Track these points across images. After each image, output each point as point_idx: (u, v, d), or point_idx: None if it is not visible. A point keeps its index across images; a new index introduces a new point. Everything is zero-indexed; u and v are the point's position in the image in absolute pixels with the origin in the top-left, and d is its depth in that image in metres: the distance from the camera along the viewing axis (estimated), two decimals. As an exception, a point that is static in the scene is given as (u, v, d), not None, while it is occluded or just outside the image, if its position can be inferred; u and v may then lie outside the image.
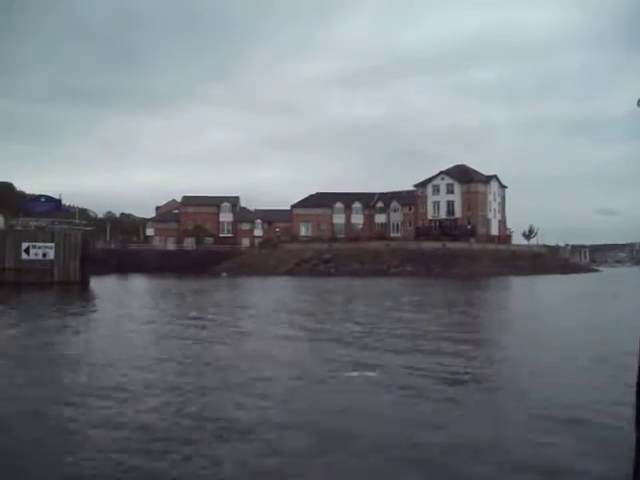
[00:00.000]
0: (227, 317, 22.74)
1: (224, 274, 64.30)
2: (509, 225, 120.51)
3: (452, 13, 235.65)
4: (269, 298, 34.25)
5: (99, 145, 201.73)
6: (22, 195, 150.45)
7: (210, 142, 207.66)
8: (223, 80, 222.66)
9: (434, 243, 78.33)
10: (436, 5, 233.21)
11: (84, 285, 42.46)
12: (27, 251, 42.15)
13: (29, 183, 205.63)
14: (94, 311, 26.03)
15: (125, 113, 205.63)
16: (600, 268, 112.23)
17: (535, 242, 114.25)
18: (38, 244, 42.25)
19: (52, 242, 42.62)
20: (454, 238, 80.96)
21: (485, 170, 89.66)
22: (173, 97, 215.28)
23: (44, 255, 42.29)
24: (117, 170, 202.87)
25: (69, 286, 41.42)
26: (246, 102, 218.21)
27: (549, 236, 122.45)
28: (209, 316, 22.76)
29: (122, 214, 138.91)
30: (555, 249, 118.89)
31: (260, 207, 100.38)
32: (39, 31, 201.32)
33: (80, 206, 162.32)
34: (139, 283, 53.72)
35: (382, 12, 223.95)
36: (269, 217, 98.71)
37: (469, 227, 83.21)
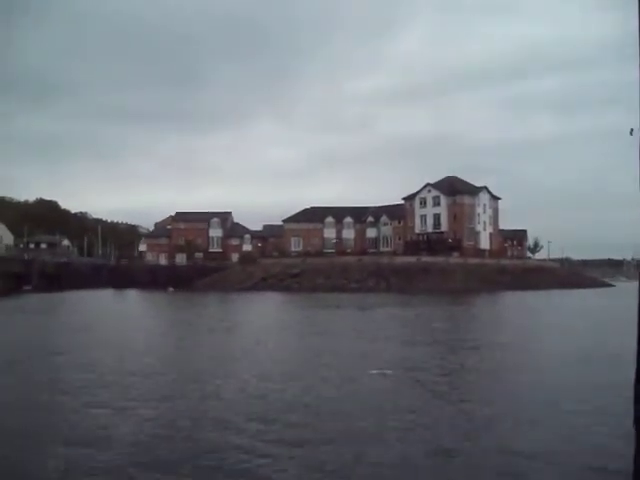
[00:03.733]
0: None
1: (171, 289, 65.71)
2: (542, 240, 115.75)
3: (499, 28, 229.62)
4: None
5: (160, 163, 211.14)
6: (66, 213, 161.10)
7: (266, 160, 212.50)
8: (277, 99, 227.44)
9: (409, 258, 76.32)
10: (484, 20, 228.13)
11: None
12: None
13: (92, 201, 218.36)
14: None
15: (183, 132, 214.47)
16: (614, 282, 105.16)
17: (544, 256, 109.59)
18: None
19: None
20: (434, 252, 78.41)
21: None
22: (233, 116, 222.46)
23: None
24: (176, 187, 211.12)
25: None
26: (299, 120, 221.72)
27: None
28: None
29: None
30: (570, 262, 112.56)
31: (268, 223, 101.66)
32: (104, 52, 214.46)
33: (133, 223, 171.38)
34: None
35: (432, 28, 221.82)
36: (268, 232, 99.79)
37: (450, 240, 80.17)
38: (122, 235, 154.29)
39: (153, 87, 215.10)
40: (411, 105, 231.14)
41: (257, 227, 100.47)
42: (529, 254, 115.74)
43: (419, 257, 75.88)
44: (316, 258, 78.90)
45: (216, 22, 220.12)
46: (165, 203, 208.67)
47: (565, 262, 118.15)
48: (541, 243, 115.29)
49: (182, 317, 34.77)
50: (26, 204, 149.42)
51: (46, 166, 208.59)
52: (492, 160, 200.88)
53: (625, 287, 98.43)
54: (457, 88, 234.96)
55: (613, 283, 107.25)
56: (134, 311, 40.85)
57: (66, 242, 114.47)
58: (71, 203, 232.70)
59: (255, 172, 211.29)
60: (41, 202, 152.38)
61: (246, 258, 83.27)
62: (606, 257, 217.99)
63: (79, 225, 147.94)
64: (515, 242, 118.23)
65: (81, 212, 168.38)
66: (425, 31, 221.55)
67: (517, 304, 49.25)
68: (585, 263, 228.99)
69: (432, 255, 77.64)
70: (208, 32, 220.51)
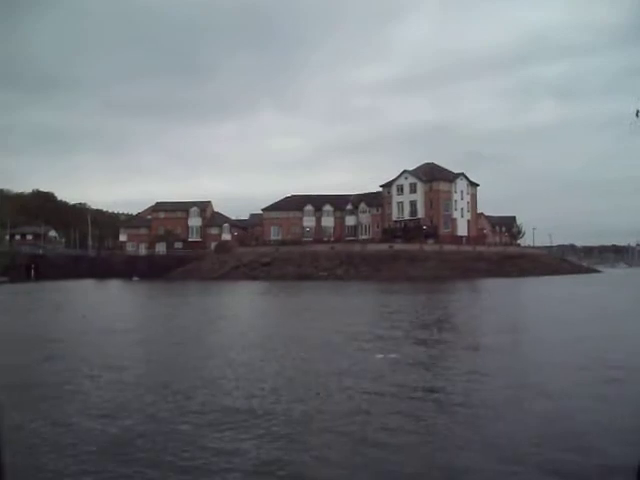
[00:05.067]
0: None
1: (135, 278, 65.89)
2: (528, 226, 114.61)
3: (503, 15, 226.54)
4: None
5: (165, 154, 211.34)
6: (64, 205, 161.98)
7: (270, 149, 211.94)
8: (284, 88, 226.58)
9: (381, 245, 75.82)
10: (487, 8, 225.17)
11: None
12: None
13: (96, 193, 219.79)
14: None
15: (188, 123, 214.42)
16: (606, 269, 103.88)
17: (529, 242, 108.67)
18: None
19: None
20: (409, 239, 77.75)
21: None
22: (237, 107, 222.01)
23: None
24: (181, 178, 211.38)
25: None
26: (306, 109, 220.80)
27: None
28: None
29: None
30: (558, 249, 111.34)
31: (256, 212, 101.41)
32: (107, 43, 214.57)
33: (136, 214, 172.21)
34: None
35: (436, 17, 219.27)
36: (254, 221, 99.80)
37: (425, 228, 79.37)
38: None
39: (157, 78, 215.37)
40: (415, 94, 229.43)
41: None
42: (519, 241, 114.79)
43: (391, 244, 75.31)
44: (291, 246, 78.58)
45: (221, 12, 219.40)
46: (169, 194, 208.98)
47: (554, 249, 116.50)
48: (523, 229, 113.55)
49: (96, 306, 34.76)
50: (22, 196, 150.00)
51: (47, 158, 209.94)
52: (495, 148, 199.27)
53: (610, 273, 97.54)
54: (461, 76, 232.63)
55: (601, 269, 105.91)
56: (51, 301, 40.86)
57: (53, 233, 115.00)
58: (73, 195, 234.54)
59: (260, 162, 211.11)
60: (37, 194, 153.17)
61: (221, 247, 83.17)
62: (611, 244, 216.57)
63: (76, 216, 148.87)
64: (504, 229, 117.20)
65: (80, 203, 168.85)
66: (429, 20, 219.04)
67: (470, 291, 48.63)
68: (590, 250, 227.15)
69: (407, 242, 77.05)
70: (213, 22, 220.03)
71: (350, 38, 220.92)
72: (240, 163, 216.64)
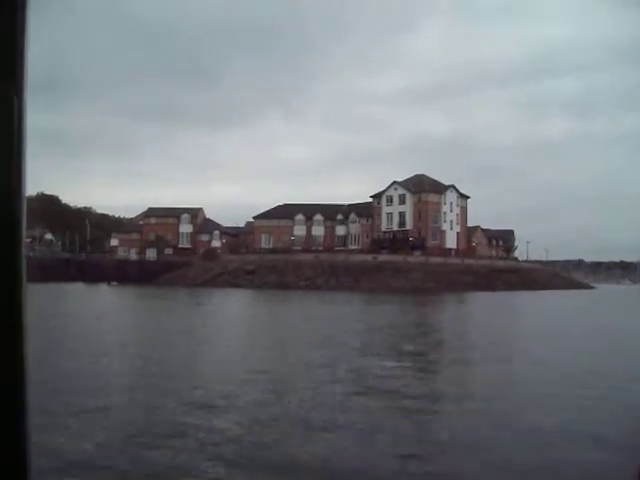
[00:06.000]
0: None
1: (114, 283, 66.25)
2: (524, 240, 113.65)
3: (516, 29, 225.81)
4: None
5: (171, 159, 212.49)
6: (67, 208, 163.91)
7: (278, 157, 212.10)
8: (293, 96, 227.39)
9: (366, 256, 75.58)
10: (500, 21, 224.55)
11: None
12: None
13: (103, 197, 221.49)
14: None
15: (195, 129, 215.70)
16: (596, 285, 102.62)
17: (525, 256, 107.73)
18: None
19: None
20: (396, 250, 77.41)
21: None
22: (245, 113, 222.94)
23: None
24: (187, 184, 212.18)
25: None
26: (315, 118, 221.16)
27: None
28: None
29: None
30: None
31: (252, 220, 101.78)
32: (113, 48, 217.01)
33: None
34: None
35: (447, 29, 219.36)
36: (245, 229, 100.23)
37: (411, 239, 78.98)
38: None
39: (163, 83, 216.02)
40: (426, 105, 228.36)
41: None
42: (516, 255, 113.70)
43: (375, 255, 75.03)
44: (276, 255, 78.61)
45: (230, 20, 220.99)
46: (176, 199, 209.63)
47: (560, 264, 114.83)
48: (516, 243, 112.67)
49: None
50: (27, 199, 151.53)
51: (53, 161, 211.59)
52: (505, 161, 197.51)
53: (603, 290, 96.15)
54: (472, 89, 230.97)
55: (595, 286, 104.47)
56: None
57: (49, 236, 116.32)
58: (79, 199, 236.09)
59: (267, 169, 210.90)
60: (41, 197, 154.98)
61: (208, 254, 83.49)
62: (619, 260, 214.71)
63: (80, 220, 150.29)
64: (501, 242, 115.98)
65: (85, 207, 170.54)
66: (441, 32, 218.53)
67: (440, 306, 48.27)
68: (598, 265, 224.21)
69: (393, 253, 76.72)
70: (221, 30, 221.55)
71: (360, 48, 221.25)
72: (246, 170, 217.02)
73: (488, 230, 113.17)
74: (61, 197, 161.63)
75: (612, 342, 20.99)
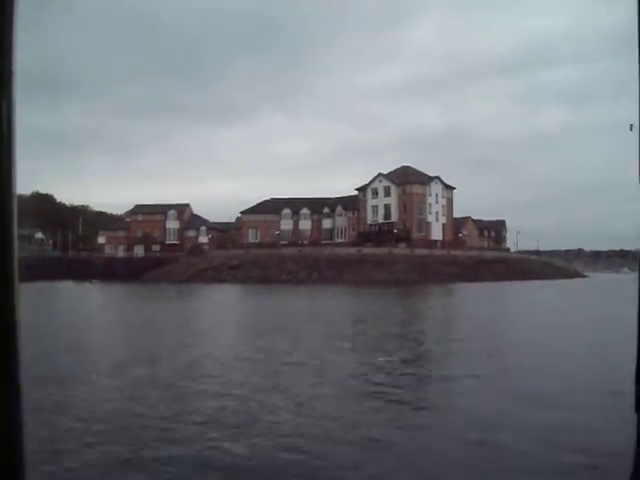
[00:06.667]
0: None
1: (95, 280, 66.27)
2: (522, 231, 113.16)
3: (514, 21, 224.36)
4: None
5: (169, 156, 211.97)
6: (62, 206, 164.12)
7: (276, 153, 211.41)
8: (291, 91, 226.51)
9: (350, 249, 75.41)
10: (496, 13, 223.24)
11: None
12: None
13: (100, 195, 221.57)
14: None
15: (193, 126, 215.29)
16: (591, 274, 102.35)
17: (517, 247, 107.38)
18: None
19: None
20: (381, 243, 77.20)
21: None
22: (242, 109, 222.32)
23: None
24: (186, 181, 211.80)
25: None
26: (313, 112, 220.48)
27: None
28: None
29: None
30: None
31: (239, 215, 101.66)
32: (110, 46, 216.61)
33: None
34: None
35: (444, 22, 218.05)
36: (236, 224, 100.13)
37: (396, 231, 78.69)
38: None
39: (160, 80, 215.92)
40: (423, 99, 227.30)
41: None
42: (508, 245, 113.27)
43: (360, 248, 74.83)
44: (261, 249, 78.52)
45: (228, 17, 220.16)
46: (174, 197, 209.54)
47: (548, 253, 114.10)
48: (505, 233, 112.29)
49: None
50: (21, 198, 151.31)
51: (49, 160, 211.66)
52: (503, 153, 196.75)
53: (599, 278, 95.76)
54: (468, 82, 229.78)
55: (588, 275, 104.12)
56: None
57: (39, 235, 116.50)
58: (76, 197, 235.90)
59: (265, 165, 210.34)
60: (36, 196, 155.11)
61: (194, 250, 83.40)
62: (620, 248, 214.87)
63: (76, 218, 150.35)
64: (493, 233, 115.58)
65: (83, 205, 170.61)
66: (437, 24, 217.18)
67: (412, 297, 48.10)
68: (598, 254, 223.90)
69: (378, 246, 76.49)
70: (219, 28, 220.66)
71: (357, 42, 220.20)
72: (245, 166, 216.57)
73: (479, 221, 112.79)
74: (60, 196, 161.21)
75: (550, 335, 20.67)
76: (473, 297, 47.49)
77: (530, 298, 44.87)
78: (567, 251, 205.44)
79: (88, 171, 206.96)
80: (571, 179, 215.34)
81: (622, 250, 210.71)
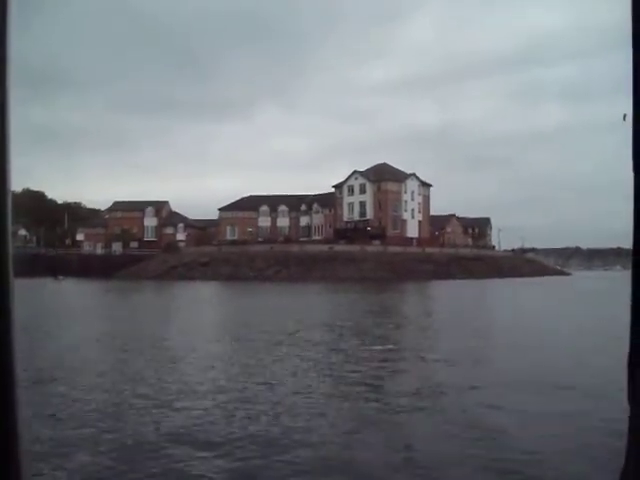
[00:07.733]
0: None
1: (61, 277, 66.15)
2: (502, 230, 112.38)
3: (509, 16, 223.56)
4: None
5: (166, 152, 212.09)
6: (53, 204, 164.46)
7: (273, 149, 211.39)
8: (287, 87, 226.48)
9: (321, 246, 75.10)
10: (492, 9, 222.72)
11: None
12: None
13: (94, 192, 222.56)
14: None
15: (190, 122, 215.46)
16: (572, 272, 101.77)
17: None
18: None
19: None
20: (354, 240, 76.78)
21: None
22: (239, 105, 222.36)
23: None
24: (183, 177, 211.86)
25: None
26: (310, 108, 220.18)
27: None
28: None
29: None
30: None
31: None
32: (108, 42, 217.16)
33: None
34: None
35: (440, 17, 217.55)
36: (214, 221, 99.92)
37: (369, 229, 78.24)
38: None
39: (157, 76, 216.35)
40: (419, 95, 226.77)
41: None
42: (494, 243, 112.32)
43: (332, 246, 74.47)
44: (233, 247, 78.30)
45: (224, 13, 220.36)
46: (172, 193, 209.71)
47: (519, 251, 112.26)
48: (487, 231, 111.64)
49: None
50: (13, 195, 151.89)
51: (43, 156, 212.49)
52: (501, 150, 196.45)
53: (580, 275, 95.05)
54: (466, 78, 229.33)
55: (571, 272, 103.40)
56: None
57: (23, 232, 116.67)
58: (70, 194, 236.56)
59: (262, 161, 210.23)
60: (27, 193, 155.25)
61: (169, 247, 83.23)
62: (617, 246, 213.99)
63: (67, 215, 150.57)
64: (477, 230, 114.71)
65: (76, 202, 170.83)
66: (433, 21, 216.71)
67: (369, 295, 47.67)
68: (595, 252, 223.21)
69: (351, 243, 76.10)
70: (215, 23, 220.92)
71: (353, 38, 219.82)
72: (241, 162, 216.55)
73: (464, 218, 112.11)
74: (54, 193, 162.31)
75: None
76: (424, 295, 46.97)
77: (475, 294, 44.65)
78: (564, 249, 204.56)
79: (83, 167, 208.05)
80: (569, 177, 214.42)
81: (619, 248, 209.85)
